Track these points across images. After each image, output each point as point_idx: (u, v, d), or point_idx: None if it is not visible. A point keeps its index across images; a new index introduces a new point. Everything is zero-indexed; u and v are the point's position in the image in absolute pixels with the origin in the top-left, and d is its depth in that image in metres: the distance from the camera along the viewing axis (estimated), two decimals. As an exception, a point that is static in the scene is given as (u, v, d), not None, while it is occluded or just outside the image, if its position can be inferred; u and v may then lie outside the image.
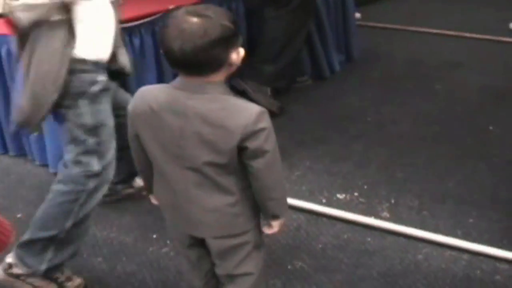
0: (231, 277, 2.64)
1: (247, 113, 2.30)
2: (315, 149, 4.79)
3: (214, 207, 2.45)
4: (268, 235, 2.61)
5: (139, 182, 4.04)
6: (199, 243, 2.63)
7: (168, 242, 3.78)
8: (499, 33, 7.14)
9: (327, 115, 5.36)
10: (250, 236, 2.55)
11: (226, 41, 2.29)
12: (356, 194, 4.22)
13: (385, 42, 7.09)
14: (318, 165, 4.59)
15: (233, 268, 2.60)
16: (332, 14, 6.10)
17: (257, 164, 2.34)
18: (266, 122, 2.32)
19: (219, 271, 2.65)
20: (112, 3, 3.31)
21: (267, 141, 2.32)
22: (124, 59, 3.52)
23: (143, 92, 2.49)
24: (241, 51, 2.37)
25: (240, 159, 2.35)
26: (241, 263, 2.59)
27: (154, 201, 2.74)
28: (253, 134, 2.28)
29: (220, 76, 2.35)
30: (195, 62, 2.27)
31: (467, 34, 7.19)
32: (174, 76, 4.68)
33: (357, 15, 6.97)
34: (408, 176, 4.40)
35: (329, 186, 4.32)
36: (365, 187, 4.29)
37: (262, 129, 2.30)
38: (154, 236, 3.88)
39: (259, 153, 2.32)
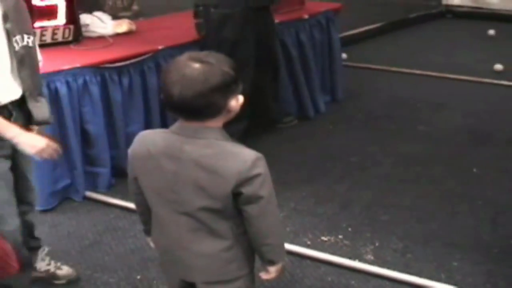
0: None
1: (242, 159, 2.31)
2: (300, 190, 4.81)
3: (207, 252, 2.45)
4: (263, 281, 2.60)
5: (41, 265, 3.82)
6: (190, 289, 2.63)
7: (154, 282, 3.79)
8: (481, 74, 7.26)
9: (312, 156, 5.40)
10: (242, 283, 2.54)
11: (226, 88, 2.31)
12: (340, 236, 4.24)
13: (370, 82, 7.17)
14: (303, 206, 4.61)
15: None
16: (319, 55, 6.17)
17: (252, 209, 2.35)
18: (261, 168, 2.33)
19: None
20: (25, 47, 3.19)
21: (262, 187, 2.33)
22: (39, 112, 3.31)
23: (143, 136, 2.53)
24: (240, 98, 2.38)
25: (235, 204, 2.35)
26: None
27: (151, 244, 2.74)
28: (248, 180, 2.30)
29: (218, 122, 2.37)
30: (194, 107, 2.29)
31: (450, 75, 7.29)
32: (161, 116, 4.85)
33: (343, 55, 7.05)
34: (392, 218, 4.43)
35: (314, 228, 4.34)
36: (350, 229, 4.32)
37: (257, 175, 2.31)
38: (138, 277, 3.88)
39: (254, 199, 2.33)
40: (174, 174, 2.38)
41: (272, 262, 2.52)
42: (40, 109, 3.30)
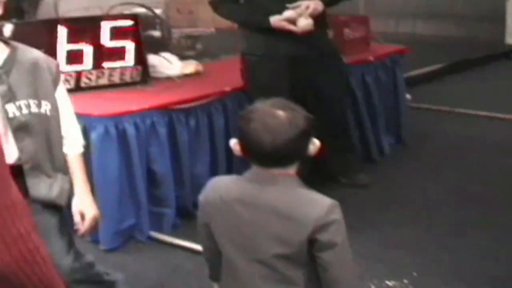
0: None
1: (318, 205, 2.33)
2: (364, 234, 4.76)
3: None
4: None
5: None
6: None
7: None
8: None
9: (376, 198, 5.36)
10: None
11: (310, 132, 2.37)
12: (406, 281, 4.19)
13: (434, 123, 7.10)
14: (367, 250, 4.56)
15: None
16: (384, 97, 6.15)
17: (327, 256, 2.34)
18: (337, 214, 2.34)
19: None
20: (35, 115, 2.84)
21: (338, 233, 2.33)
22: (42, 189, 2.91)
23: (215, 182, 2.56)
24: (316, 142, 2.42)
25: (309, 251, 2.35)
26: None
27: None
28: (324, 226, 2.30)
29: (295, 168, 2.40)
30: (284, 154, 2.33)
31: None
32: (227, 158, 4.87)
33: (408, 96, 7.01)
34: (459, 262, 4.36)
35: (379, 272, 4.29)
36: (415, 273, 4.26)
37: (334, 221, 2.32)
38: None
39: (329, 245, 2.32)
40: (248, 221, 2.39)
41: None
42: (45, 185, 2.91)
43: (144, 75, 5.16)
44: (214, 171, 4.86)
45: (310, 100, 4.62)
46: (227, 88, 4.97)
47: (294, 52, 4.78)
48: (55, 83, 2.95)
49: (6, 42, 2.82)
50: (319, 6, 4.71)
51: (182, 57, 5.80)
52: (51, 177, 2.92)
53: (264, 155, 2.35)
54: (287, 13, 4.63)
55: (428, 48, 9.84)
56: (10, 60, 2.71)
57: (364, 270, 4.31)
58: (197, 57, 6.21)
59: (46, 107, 2.86)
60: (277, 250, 2.36)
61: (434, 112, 7.53)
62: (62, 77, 2.82)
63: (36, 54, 2.84)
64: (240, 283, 2.50)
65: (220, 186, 2.51)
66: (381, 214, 5.09)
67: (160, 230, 4.80)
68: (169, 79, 5.24)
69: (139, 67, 5.13)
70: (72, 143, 3.10)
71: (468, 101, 7.81)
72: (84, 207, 3.08)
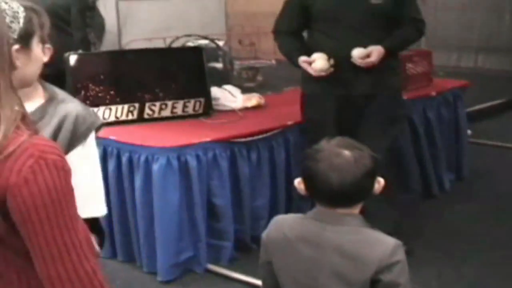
0: None
1: (383, 245, 2.32)
2: (424, 271, 4.70)
3: None
4: None
5: None
6: None
7: None
8: None
9: (436, 235, 5.29)
10: None
11: (375, 171, 2.37)
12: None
13: (496, 159, 7.02)
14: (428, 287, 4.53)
15: None
16: (445, 132, 6.10)
17: None
18: (401, 255, 2.32)
19: None
20: None
21: (401, 274, 2.31)
22: None
23: (279, 220, 2.55)
24: (381, 181, 2.41)
25: None
26: None
27: None
28: (388, 267, 2.28)
29: (359, 207, 2.40)
30: (351, 194, 2.33)
31: None
32: (287, 192, 4.86)
33: (468, 132, 6.95)
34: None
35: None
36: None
37: (397, 262, 2.30)
38: None
39: (392, 286, 2.30)
40: (312, 260, 2.38)
41: None
42: None
43: (207, 107, 5.19)
44: (274, 205, 4.86)
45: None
46: (289, 122, 4.97)
47: (343, 91, 4.62)
48: (75, 141, 2.50)
49: (46, 88, 2.63)
50: (375, 57, 4.48)
51: (243, 89, 5.82)
52: None
53: (331, 195, 2.35)
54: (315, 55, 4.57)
55: (490, 83, 9.77)
56: (41, 111, 2.51)
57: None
58: (258, 88, 6.23)
59: None
60: None
61: (495, 148, 7.44)
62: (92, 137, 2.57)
63: (70, 108, 2.49)
64: None
65: (284, 224, 2.51)
66: (441, 251, 5.01)
67: (217, 263, 4.79)
68: (231, 111, 5.27)
69: (202, 99, 5.17)
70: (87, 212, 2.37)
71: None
72: None
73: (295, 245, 2.41)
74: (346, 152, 2.33)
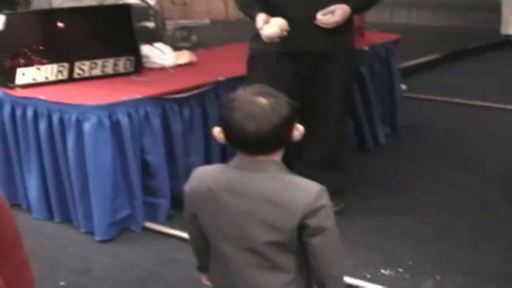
0: None
1: (307, 191, 2.31)
2: (359, 223, 4.77)
3: (270, 286, 2.41)
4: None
5: None
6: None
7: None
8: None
9: (371, 188, 5.35)
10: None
11: (293, 118, 2.34)
12: (400, 269, 4.18)
13: (430, 113, 7.11)
14: (362, 239, 4.57)
15: None
16: (378, 87, 6.15)
17: (316, 241, 2.32)
18: (325, 199, 2.32)
19: None
20: None
21: (327, 218, 2.32)
22: None
23: (200, 172, 2.51)
24: (300, 128, 2.39)
25: (299, 237, 2.34)
26: None
27: (205, 281, 2.73)
28: (314, 212, 2.29)
29: (279, 154, 2.38)
30: (269, 141, 2.30)
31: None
32: (221, 147, 4.86)
33: (403, 86, 7.01)
34: (453, 251, 4.36)
35: (373, 261, 4.28)
36: (410, 262, 4.26)
37: (322, 206, 2.30)
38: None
39: (319, 230, 2.31)
40: (237, 209, 2.36)
41: None
42: None
43: (137, 65, 5.15)
44: (208, 161, 4.85)
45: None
46: (221, 78, 4.95)
47: (295, 49, 4.49)
48: None
49: None
50: (340, 16, 4.40)
51: (177, 49, 5.79)
52: None
53: (248, 143, 2.32)
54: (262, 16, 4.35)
55: (423, 38, 9.87)
56: None
57: (359, 259, 4.31)
58: (191, 48, 6.20)
59: None
60: (268, 237, 2.33)
61: (429, 102, 7.53)
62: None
63: None
64: (230, 272, 2.47)
65: (206, 175, 2.47)
66: (375, 203, 5.09)
67: (154, 220, 4.80)
68: (162, 69, 5.23)
69: (132, 58, 5.13)
70: None
71: (464, 91, 7.82)
72: None
73: (220, 196, 2.39)
74: (262, 100, 2.29)
